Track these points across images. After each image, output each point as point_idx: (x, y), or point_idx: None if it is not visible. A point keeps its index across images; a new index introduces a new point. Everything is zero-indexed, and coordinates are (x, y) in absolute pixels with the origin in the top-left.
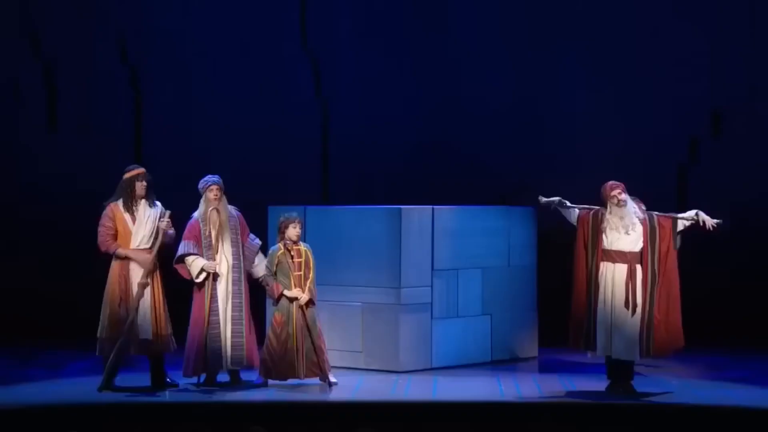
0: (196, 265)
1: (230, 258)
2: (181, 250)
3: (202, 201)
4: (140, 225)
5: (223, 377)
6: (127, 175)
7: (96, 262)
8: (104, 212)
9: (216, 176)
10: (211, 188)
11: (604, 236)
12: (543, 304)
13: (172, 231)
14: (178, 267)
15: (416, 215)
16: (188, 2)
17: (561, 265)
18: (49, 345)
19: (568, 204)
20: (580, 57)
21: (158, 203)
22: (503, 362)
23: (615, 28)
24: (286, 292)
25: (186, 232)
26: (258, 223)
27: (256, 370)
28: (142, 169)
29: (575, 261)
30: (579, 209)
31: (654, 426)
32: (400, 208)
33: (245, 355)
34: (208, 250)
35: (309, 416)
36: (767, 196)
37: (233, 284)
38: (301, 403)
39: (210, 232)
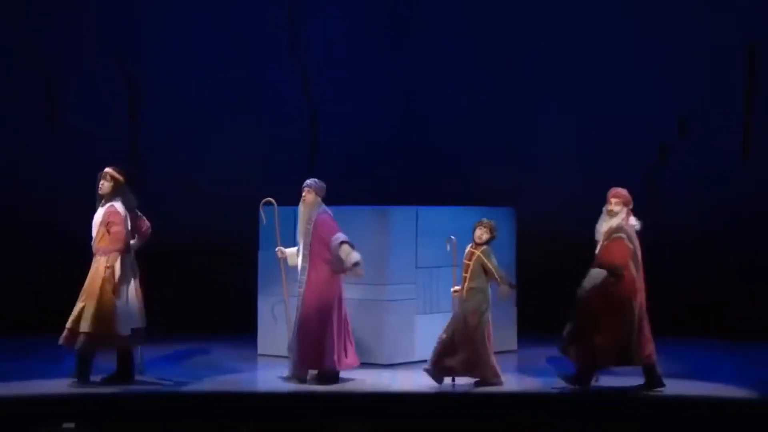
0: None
1: (299, 261)
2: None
3: None
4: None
5: None
6: None
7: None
8: None
9: (313, 179)
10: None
11: None
12: (521, 300)
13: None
14: None
15: (402, 215)
16: (182, 9)
17: (539, 262)
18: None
19: None
20: (553, 64)
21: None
22: None
23: (586, 36)
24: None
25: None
26: (246, 224)
27: (326, 374)
28: (105, 169)
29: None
30: None
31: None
32: (389, 209)
33: (296, 359)
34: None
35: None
36: (731, 198)
37: (298, 287)
38: (291, 395)
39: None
